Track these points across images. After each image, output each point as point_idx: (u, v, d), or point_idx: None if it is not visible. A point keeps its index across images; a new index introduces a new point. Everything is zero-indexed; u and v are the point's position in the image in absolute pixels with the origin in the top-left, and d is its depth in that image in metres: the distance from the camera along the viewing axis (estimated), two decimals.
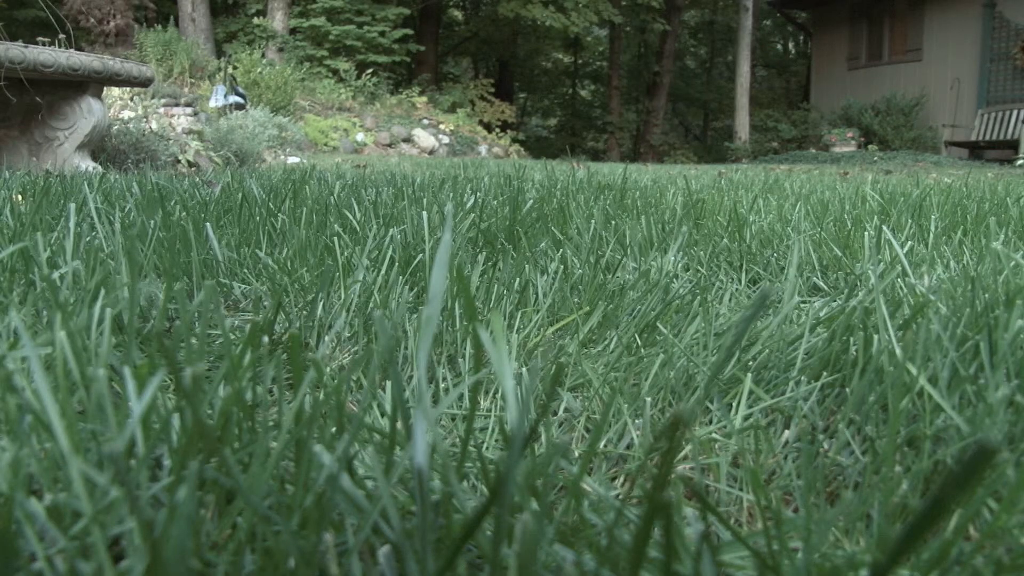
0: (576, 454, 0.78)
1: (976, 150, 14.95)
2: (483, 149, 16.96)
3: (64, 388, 0.59)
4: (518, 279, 1.30)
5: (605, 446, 0.78)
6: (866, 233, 1.83)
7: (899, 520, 0.59)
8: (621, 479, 0.73)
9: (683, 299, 1.24)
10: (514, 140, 19.73)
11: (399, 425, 0.54)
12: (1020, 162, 11.54)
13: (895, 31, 17.44)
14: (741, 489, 0.69)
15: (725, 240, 1.86)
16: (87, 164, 4.65)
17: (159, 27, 13.68)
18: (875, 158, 13.58)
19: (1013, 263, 1.31)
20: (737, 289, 1.45)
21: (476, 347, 0.57)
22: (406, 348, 1.04)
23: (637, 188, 3.49)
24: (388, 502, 0.46)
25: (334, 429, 0.56)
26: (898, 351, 0.78)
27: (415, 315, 1.19)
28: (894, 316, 0.96)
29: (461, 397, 0.92)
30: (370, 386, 0.53)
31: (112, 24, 14.84)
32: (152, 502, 0.52)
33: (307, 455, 0.49)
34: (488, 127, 20.29)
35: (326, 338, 1.10)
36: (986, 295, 0.94)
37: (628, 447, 0.78)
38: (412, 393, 0.89)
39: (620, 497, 0.68)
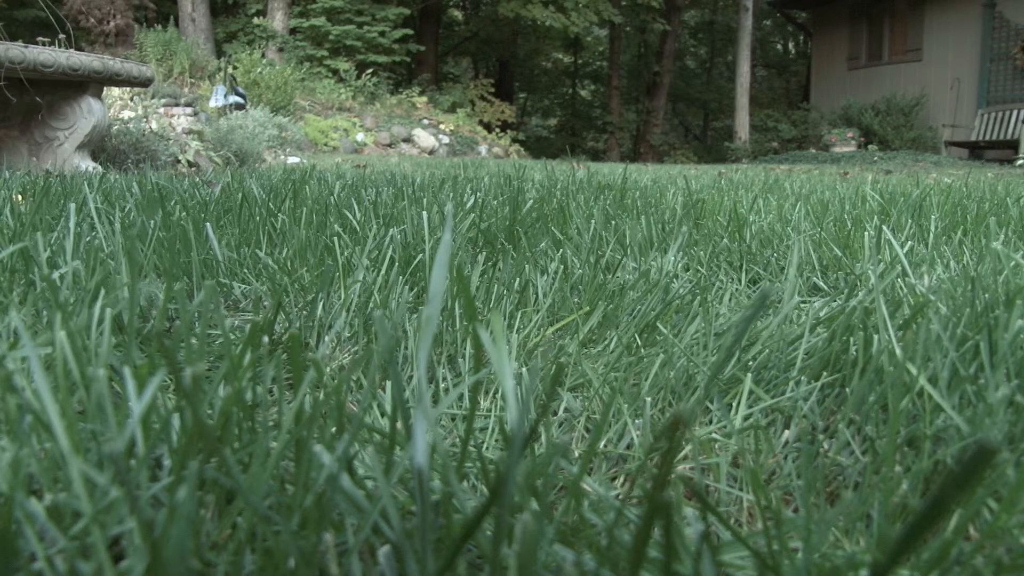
0: (576, 454, 0.78)
1: (976, 150, 14.95)
2: (483, 149, 16.96)
3: (64, 388, 0.59)
4: (518, 279, 1.30)
5: (605, 446, 0.78)
6: (866, 233, 1.83)
7: (899, 520, 0.59)
8: (621, 479, 0.73)
9: (683, 299, 1.24)
10: (514, 140, 19.73)
11: (399, 425, 0.54)
12: (1020, 162, 11.53)
13: (895, 31, 17.43)
14: (741, 489, 0.69)
15: (725, 240, 1.86)
16: (87, 164, 4.65)
17: (159, 27, 13.68)
18: (875, 158, 13.58)
19: (1013, 263, 1.31)
20: (737, 289, 1.45)
21: (476, 347, 0.57)
22: (406, 348, 1.04)
23: (637, 188, 3.49)
24: (388, 502, 0.46)
25: (334, 429, 0.56)
26: (898, 351, 0.78)
27: (415, 315, 1.19)
28: (894, 316, 0.96)
29: (461, 397, 0.92)
30: (370, 386, 0.53)
31: (112, 24, 14.84)
32: (152, 502, 0.52)
33: (307, 455, 0.49)
34: (488, 127, 20.29)
35: (326, 338, 1.10)
36: (986, 295, 0.93)
37: (628, 447, 0.78)
38: (412, 393, 0.89)
39: (620, 497, 0.68)
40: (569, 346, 1.04)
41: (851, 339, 0.92)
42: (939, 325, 0.85)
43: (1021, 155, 12.28)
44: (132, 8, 15.40)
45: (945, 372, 0.79)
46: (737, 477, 0.72)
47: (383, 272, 1.28)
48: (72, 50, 4.49)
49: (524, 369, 0.98)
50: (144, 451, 0.52)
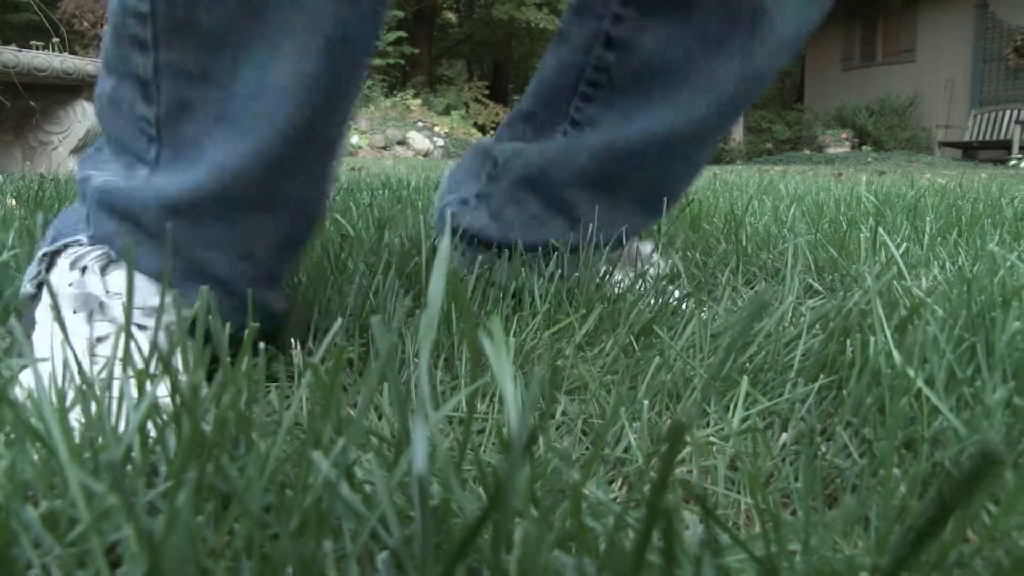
0: (573, 457, 0.78)
1: (969, 150, 15.00)
2: None
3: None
4: (514, 282, 1.30)
5: (602, 449, 0.78)
6: (861, 235, 1.84)
7: (898, 523, 0.59)
8: (619, 482, 0.73)
9: (679, 301, 1.24)
10: None
11: (398, 429, 0.53)
12: (1013, 162, 11.58)
13: (888, 32, 17.50)
14: (739, 492, 0.69)
15: (723, 244, 1.86)
16: None
17: None
18: (869, 159, 13.63)
19: (1008, 263, 1.31)
20: (734, 290, 1.45)
21: (473, 353, 0.57)
22: (402, 352, 1.04)
23: None
24: (388, 508, 0.46)
25: (332, 435, 0.56)
26: (896, 355, 0.78)
27: (411, 318, 1.19)
28: (891, 318, 0.97)
29: (458, 402, 0.92)
30: (368, 391, 0.53)
31: (106, 27, 14.78)
32: (148, 507, 0.51)
33: (305, 459, 0.49)
34: (483, 129, 20.30)
35: (323, 341, 1.10)
36: (981, 296, 0.94)
37: (625, 450, 0.78)
38: (410, 397, 0.89)
39: (618, 500, 0.68)
40: (566, 349, 1.04)
41: (848, 341, 0.92)
42: (936, 327, 0.85)
43: (1014, 156, 12.33)
44: None
45: (942, 374, 0.79)
46: (735, 480, 0.72)
47: (379, 275, 1.28)
48: (66, 54, 4.48)
49: (520, 373, 0.98)
50: (141, 459, 0.51)
